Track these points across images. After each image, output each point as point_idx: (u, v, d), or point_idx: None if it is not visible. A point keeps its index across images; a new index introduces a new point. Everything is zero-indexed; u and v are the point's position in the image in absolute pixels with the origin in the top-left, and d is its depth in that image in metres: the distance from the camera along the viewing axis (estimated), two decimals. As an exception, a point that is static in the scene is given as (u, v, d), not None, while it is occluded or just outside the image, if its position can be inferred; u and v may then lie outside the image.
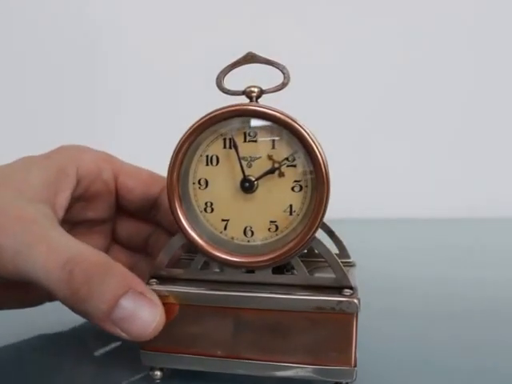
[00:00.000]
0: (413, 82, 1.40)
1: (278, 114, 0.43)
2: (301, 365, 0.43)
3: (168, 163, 0.45)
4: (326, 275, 0.45)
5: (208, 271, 0.47)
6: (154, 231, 0.58)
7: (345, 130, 1.34)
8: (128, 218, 0.58)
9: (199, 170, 0.45)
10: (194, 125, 0.44)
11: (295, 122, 0.43)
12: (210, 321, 0.44)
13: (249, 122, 0.44)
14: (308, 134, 0.42)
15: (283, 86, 0.45)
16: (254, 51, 0.45)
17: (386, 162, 1.40)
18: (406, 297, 0.75)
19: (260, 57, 0.45)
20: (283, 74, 0.45)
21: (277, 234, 0.45)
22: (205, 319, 0.44)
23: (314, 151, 0.42)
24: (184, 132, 0.44)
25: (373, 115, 1.42)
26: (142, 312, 0.41)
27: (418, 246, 1.09)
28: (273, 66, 0.45)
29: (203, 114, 0.44)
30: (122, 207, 0.57)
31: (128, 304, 0.40)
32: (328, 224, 0.52)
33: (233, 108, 0.43)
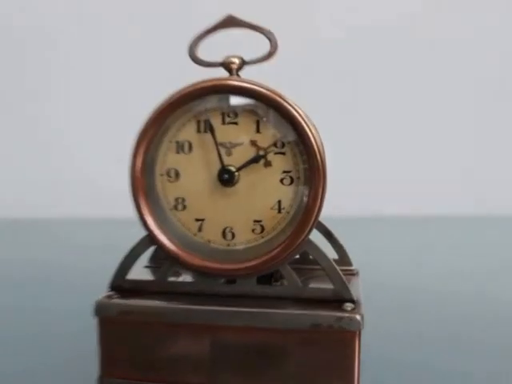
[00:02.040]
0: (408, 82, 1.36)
1: (263, 90, 0.37)
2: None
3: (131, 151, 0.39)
4: (322, 286, 0.39)
5: (180, 282, 0.40)
6: None
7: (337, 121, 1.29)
8: None
9: (168, 158, 0.40)
10: (161, 105, 0.38)
11: (284, 100, 0.37)
12: (183, 342, 0.38)
13: (228, 100, 0.38)
14: (300, 115, 0.37)
15: (269, 56, 0.40)
16: (234, 14, 0.40)
17: (392, 153, 1.35)
18: (418, 315, 0.66)
19: (241, 21, 0.40)
20: (269, 40, 0.39)
21: (262, 237, 0.39)
22: (177, 340, 0.38)
23: (307, 135, 0.37)
24: (150, 113, 0.38)
25: (367, 110, 1.37)
26: None
27: (429, 248, 1.02)
28: (256, 31, 0.40)
29: (173, 92, 0.38)
30: None
31: None
32: (325, 224, 0.46)
33: (208, 83, 0.38)
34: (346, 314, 0.36)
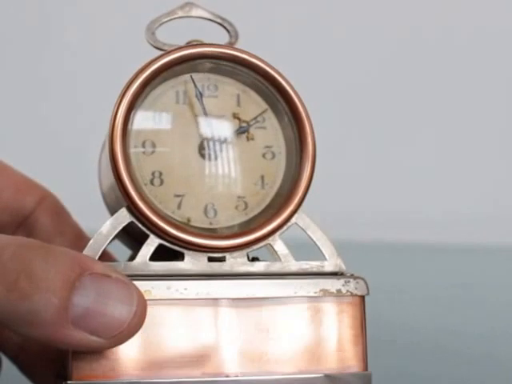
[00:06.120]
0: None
1: (258, 62, 0.39)
2: (298, 375, 0.36)
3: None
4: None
5: (161, 263, 0.37)
6: None
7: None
8: None
9: (144, 129, 0.39)
10: (145, 67, 0.38)
11: (271, 68, 0.39)
12: (173, 323, 0.35)
13: (209, 70, 0.40)
14: (286, 81, 0.39)
15: (230, 45, 0.42)
16: (194, 1, 0.42)
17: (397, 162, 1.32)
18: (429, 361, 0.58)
19: (201, 10, 0.42)
20: (228, 32, 0.42)
21: (246, 214, 0.39)
22: (166, 322, 0.35)
23: (293, 99, 0.39)
24: (131, 77, 0.37)
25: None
26: (113, 299, 0.31)
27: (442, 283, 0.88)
28: (215, 22, 0.42)
29: (158, 54, 0.38)
30: None
31: (89, 291, 0.31)
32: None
33: (195, 50, 0.38)
34: (351, 279, 0.38)
